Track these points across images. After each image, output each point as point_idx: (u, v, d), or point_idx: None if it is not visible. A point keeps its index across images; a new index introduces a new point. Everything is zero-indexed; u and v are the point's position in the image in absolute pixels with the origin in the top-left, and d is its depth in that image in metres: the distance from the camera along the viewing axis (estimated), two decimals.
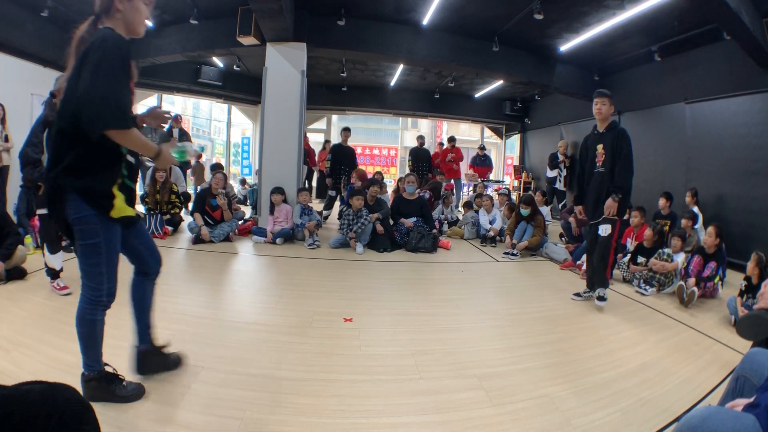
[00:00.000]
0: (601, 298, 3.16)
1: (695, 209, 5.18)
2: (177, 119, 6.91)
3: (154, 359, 1.87)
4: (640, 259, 3.97)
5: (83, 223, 1.53)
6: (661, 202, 5.32)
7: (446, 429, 1.63)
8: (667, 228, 5.07)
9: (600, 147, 3.17)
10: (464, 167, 9.30)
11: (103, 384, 1.64)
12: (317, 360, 2.12)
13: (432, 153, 8.88)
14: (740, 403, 1.05)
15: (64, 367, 1.87)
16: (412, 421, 1.67)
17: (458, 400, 1.83)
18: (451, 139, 8.86)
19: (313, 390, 1.85)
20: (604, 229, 3.13)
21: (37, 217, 4.08)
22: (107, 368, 1.68)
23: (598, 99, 3.17)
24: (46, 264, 2.93)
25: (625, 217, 4.06)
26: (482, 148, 9.86)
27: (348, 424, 1.63)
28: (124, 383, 1.70)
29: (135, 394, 1.70)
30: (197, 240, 4.74)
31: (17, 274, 3.09)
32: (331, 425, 1.61)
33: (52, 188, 1.53)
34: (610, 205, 3.01)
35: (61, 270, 2.97)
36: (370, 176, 6.44)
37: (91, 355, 1.64)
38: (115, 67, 1.51)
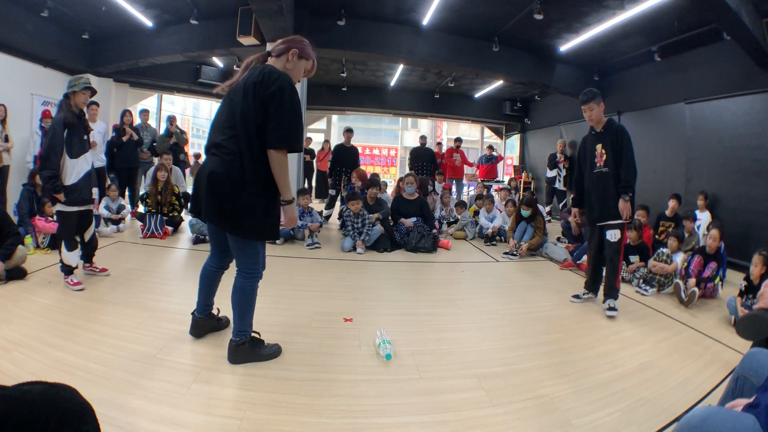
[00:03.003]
0: (612, 309, 3.03)
1: (707, 213, 5.16)
2: (171, 120, 6.93)
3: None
4: (632, 258, 3.98)
5: None
6: (672, 203, 5.25)
7: (446, 429, 1.63)
8: (671, 230, 5.06)
9: (599, 147, 3.08)
10: (468, 167, 9.30)
11: (249, 347, 2.05)
12: (317, 360, 2.12)
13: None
14: (740, 403, 1.05)
15: (64, 367, 1.88)
16: (412, 421, 1.67)
17: (458, 400, 1.82)
18: (457, 140, 8.89)
19: (313, 390, 1.85)
20: (613, 234, 3.03)
21: (37, 216, 4.10)
22: (253, 334, 2.08)
23: (585, 106, 3.08)
24: (61, 261, 2.99)
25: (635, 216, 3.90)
26: (491, 147, 9.87)
27: (348, 424, 1.63)
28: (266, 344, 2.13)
29: (276, 352, 2.12)
30: (197, 240, 4.74)
31: (17, 274, 3.08)
32: (331, 425, 1.61)
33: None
34: (624, 206, 2.92)
35: (77, 267, 3.04)
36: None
37: (247, 321, 2.04)
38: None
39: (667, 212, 5.28)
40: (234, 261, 2.08)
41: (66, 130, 2.89)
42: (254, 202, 1.86)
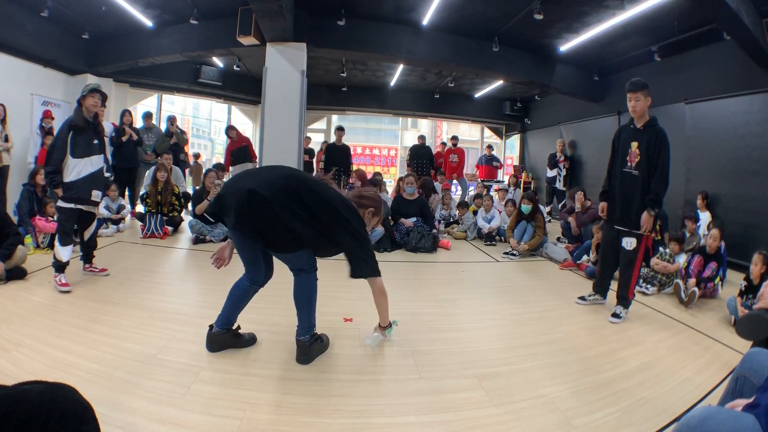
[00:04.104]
0: (616, 316, 2.92)
1: (707, 213, 5.14)
2: (171, 120, 6.93)
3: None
4: None
5: None
6: None
7: (446, 429, 1.63)
8: (657, 227, 5.04)
9: (634, 145, 2.88)
10: (468, 167, 9.31)
11: (318, 342, 2.16)
12: (317, 360, 2.12)
13: (434, 153, 8.88)
14: (740, 403, 1.05)
15: (64, 367, 1.88)
16: (412, 421, 1.67)
17: (458, 400, 1.82)
18: (454, 138, 8.89)
19: (313, 390, 1.85)
20: (629, 243, 2.90)
21: (37, 216, 4.10)
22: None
23: (631, 95, 2.82)
24: (54, 256, 2.99)
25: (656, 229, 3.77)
26: (490, 147, 9.88)
27: (348, 424, 1.63)
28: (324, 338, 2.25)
29: (328, 340, 2.28)
30: (197, 240, 4.74)
31: (17, 274, 3.08)
32: (331, 425, 1.61)
33: None
34: (647, 220, 2.79)
35: (68, 264, 3.02)
36: (369, 176, 6.44)
37: (314, 316, 2.13)
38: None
39: None
40: (263, 279, 2.21)
41: (71, 131, 3.00)
42: (288, 234, 1.91)
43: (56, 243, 3.03)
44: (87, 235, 3.27)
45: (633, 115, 2.92)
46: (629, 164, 2.92)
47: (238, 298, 2.15)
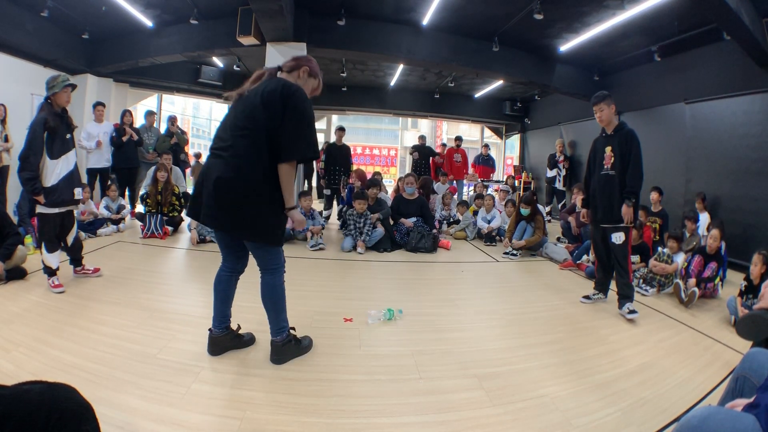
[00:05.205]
0: (632, 312, 2.99)
1: (706, 215, 5.14)
2: (172, 120, 6.93)
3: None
4: (633, 258, 3.98)
5: None
6: (653, 196, 5.22)
7: (446, 429, 1.63)
8: (657, 226, 5.03)
9: (608, 149, 3.12)
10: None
11: (294, 343, 2.11)
12: (317, 360, 2.12)
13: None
14: (740, 403, 1.05)
15: (64, 367, 1.88)
16: (412, 421, 1.67)
17: (458, 400, 1.83)
18: (458, 139, 8.88)
19: (313, 390, 1.85)
20: (618, 237, 3.06)
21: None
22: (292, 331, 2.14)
23: (595, 107, 3.13)
24: (43, 262, 2.95)
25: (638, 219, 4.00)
26: (486, 146, 9.88)
27: (348, 424, 1.63)
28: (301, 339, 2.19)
29: (310, 344, 2.22)
30: (197, 240, 4.74)
31: (17, 274, 3.08)
32: (331, 425, 1.61)
33: None
34: (627, 211, 2.97)
35: (58, 268, 2.98)
36: (369, 176, 6.44)
37: (283, 317, 2.08)
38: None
39: (652, 207, 5.24)
40: (248, 265, 2.14)
41: (45, 131, 2.83)
42: (265, 208, 1.86)
43: (43, 251, 2.93)
44: (70, 239, 3.15)
45: (601, 125, 3.20)
46: (606, 167, 3.15)
47: (224, 291, 2.12)
